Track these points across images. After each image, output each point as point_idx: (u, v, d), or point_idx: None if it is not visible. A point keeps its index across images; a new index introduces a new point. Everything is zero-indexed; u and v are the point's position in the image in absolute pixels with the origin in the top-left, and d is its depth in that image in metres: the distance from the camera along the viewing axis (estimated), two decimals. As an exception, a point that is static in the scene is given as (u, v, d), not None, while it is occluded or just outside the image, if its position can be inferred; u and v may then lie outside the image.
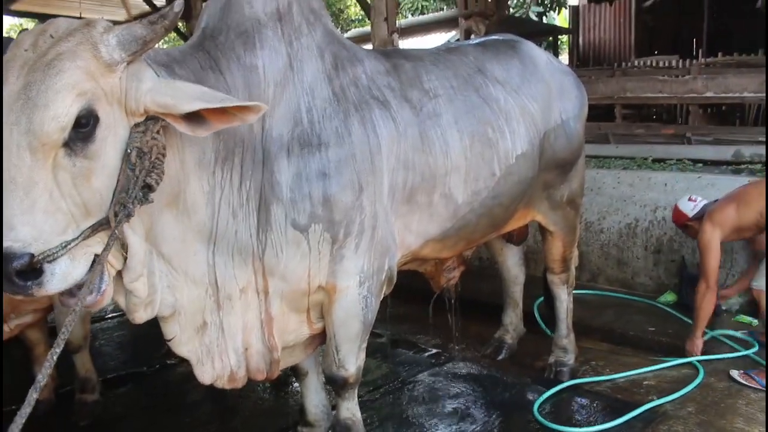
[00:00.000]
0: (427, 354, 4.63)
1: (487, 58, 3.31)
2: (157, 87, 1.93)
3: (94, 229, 1.83)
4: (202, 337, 2.44)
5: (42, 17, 13.71)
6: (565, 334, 4.14)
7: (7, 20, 23.02)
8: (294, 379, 4.11)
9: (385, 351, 4.71)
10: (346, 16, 22.18)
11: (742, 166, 6.23)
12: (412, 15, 19.35)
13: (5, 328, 3.55)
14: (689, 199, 4.32)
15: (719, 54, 11.02)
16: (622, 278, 5.60)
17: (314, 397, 3.26)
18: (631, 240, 5.53)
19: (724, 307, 4.91)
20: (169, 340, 2.42)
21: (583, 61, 14.72)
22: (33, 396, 1.65)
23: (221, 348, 2.48)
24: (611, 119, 9.47)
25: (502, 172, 3.11)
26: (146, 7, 11.90)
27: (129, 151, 1.89)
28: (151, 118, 1.93)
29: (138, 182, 1.90)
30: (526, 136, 3.24)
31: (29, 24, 22.43)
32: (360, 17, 21.31)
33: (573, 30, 15.50)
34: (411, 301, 5.42)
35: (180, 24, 11.74)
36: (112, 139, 1.87)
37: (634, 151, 7.28)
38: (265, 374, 2.64)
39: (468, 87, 3.08)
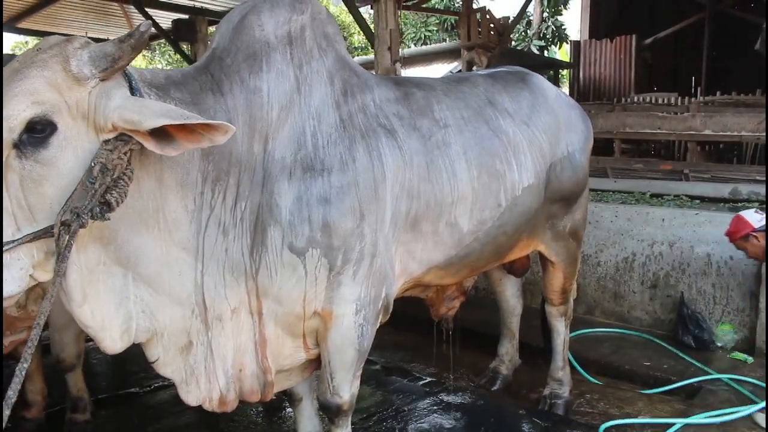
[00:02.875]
0: (421, 383, 4.60)
1: (498, 90, 3.35)
2: (125, 104, 1.95)
3: (37, 236, 1.86)
4: (187, 357, 2.42)
5: (47, 35, 13.82)
6: (561, 366, 4.13)
7: (13, 37, 23.30)
8: (287, 404, 4.09)
9: (380, 378, 4.68)
10: (349, 44, 22.41)
11: (740, 204, 6.27)
12: (415, 45, 19.55)
13: (-1, 344, 3.53)
14: (755, 211, 4.03)
15: (717, 92, 11.13)
16: (619, 312, 5.60)
17: (307, 423, 3.24)
18: (628, 274, 5.53)
19: (719, 344, 4.91)
20: (153, 362, 2.40)
21: (584, 96, 14.84)
22: (5, 412, 1.65)
23: (209, 369, 2.46)
24: (610, 154, 9.55)
25: (507, 203, 3.13)
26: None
27: (93, 165, 1.90)
28: (121, 139, 1.94)
29: (96, 196, 1.89)
30: (533, 168, 3.26)
31: (34, 42, 22.63)
32: (363, 45, 21.53)
33: (574, 64, 15.66)
34: (406, 329, 5.44)
35: (185, 46, 11.86)
36: (72, 150, 1.90)
37: (633, 186, 7.32)
38: (259, 396, 2.62)
39: (478, 118, 3.11)
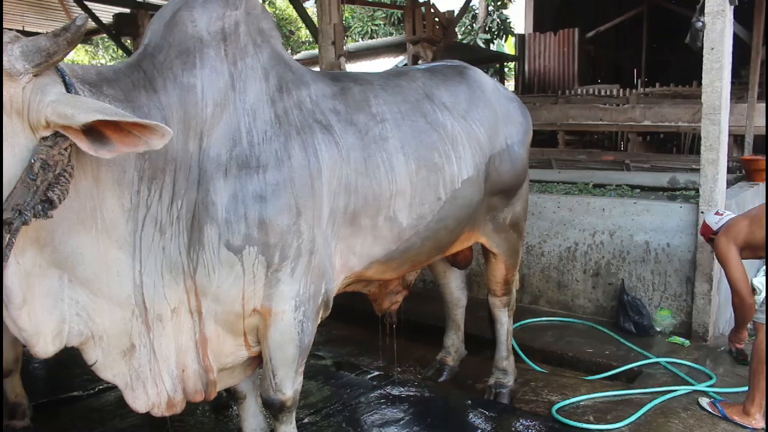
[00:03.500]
0: (369, 376, 4.62)
1: (435, 84, 3.37)
2: (60, 99, 1.91)
3: None
4: (130, 360, 2.39)
5: (-18, 30, 13.36)
6: (505, 356, 4.19)
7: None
8: (231, 402, 4.06)
9: (328, 373, 4.68)
10: (297, 38, 22.24)
11: (677, 193, 6.47)
12: (362, 39, 19.52)
13: None
14: (716, 213, 4.12)
15: (657, 84, 11.45)
16: (563, 301, 5.72)
17: (252, 421, 3.23)
18: (571, 263, 5.65)
19: (658, 329, 5.06)
20: (92, 365, 2.37)
21: (528, 88, 15.09)
22: None
23: (155, 372, 2.43)
24: (554, 145, 9.73)
25: (447, 197, 3.15)
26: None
27: (33, 161, 1.87)
28: (60, 135, 1.90)
29: (38, 193, 1.87)
30: (471, 161, 3.29)
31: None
32: (311, 39, 21.39)
33: (519, 57, 15.90)
34: (355, 323, 5.45)
35: (128, 42, 11.62)
36: (8, 148, 1.85)
37: (576, 177, 7.48)
38: (203, 395, 2.61)
39: (416, 112, 3.12)
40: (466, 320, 4.62)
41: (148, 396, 2.45)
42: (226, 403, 4.08)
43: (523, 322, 5.33)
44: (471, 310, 4.67)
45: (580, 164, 8.49)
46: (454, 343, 4.58)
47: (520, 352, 4.75)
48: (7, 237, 1.83)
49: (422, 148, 3.05)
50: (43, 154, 1.88)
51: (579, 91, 12.42)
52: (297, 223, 2.51)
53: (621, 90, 11.64)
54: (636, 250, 5.29)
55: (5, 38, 1.88)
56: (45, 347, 2.18)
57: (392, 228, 2.95)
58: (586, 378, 4.47)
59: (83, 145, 1.88)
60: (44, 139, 1.89)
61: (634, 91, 11.31)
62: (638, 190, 6.72)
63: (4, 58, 1.84)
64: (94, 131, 1.88)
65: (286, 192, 2.48)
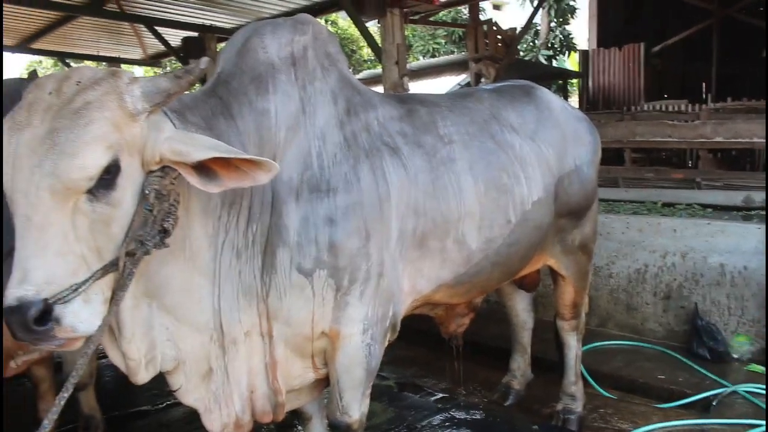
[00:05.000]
0: (433, 398, 4.57)
1: (503, 105, 3.34)
2: (175, 136, 1.97)
3: (105, 270, 1.83)
4: (208, 384, 2.42)
5: (60, 55, 13.97)
6: (574, 381, 4.09)
7: (26, 58, 23.56)
8: (298, 422, 4.07)
9: (392, 394, 4.66)
10: (358, 57, 22.49)
11: (752, 212, 6.21)
12: (423, 57, 19.60)
13: (12, 364, 3.55)
14: None
15: (728, 99, 11.07)
16: (632, 324, 5.55)
17: (318, 442, 3.22)
18: (641, 286, 5.49)
19: (735, 356, 4.85)
20: (175, 391, 2.41)
21: (593, 105, 14.81)
22: None
23: (227, 394, 2.46)
24: (621, 163, 9.49)
25: (517, 219, 3.10)
26: (161, 47, 12.12)
27: (147, 192, 1.91)
28: (167, 166, 1.95)
29: (156, 223, 1.92)
30: (541, 182, 3.24)
31: (48, 62, 22.86)
32: (372, 58, 21.62)
33: (583, 74, 15.64)
34: (419, 344, 5.41)
35: (194, 64, 11.92)
36: (130, 186, 1.89)
37: (644, 196, 7.27)
38: (271, 417, 2.62)
39: (483, 133, 3.10)
40: (531, 342, 4.53)
41: (221, 417, 2.48)
42: (290, 422, 4.09)
43: (590, 345, 5.19)
44: (537, 332, 4.57)
45: (647, 182, 8.25)
46: (521, 366, 4.49)
47: (588, 377, 4.63)
48: (129, 268, 1.87)
49: (491, 170, 3.02)
50: (156, 185, 1.93)
51: (645, 107, 12.10)
52: (366, 246, 2.51)
53: (689, 105, 11.30)
54: (710, 273, 5.10)
55: (125, 78, 1.92)
56: (143, 374, 2.22)
57: (461, 251, 2.91)
58: (659, 406, 4.30)
59: (193, 179, 1.93)
60: (151, 172, 1.94)
61: (704, 106, 10.95)
62: (710, 210, 6.48)
63: (128, 99, 1.88)
64: (203, 166, 1.93)
65: (356, 215, 2.48)
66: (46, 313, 1.67)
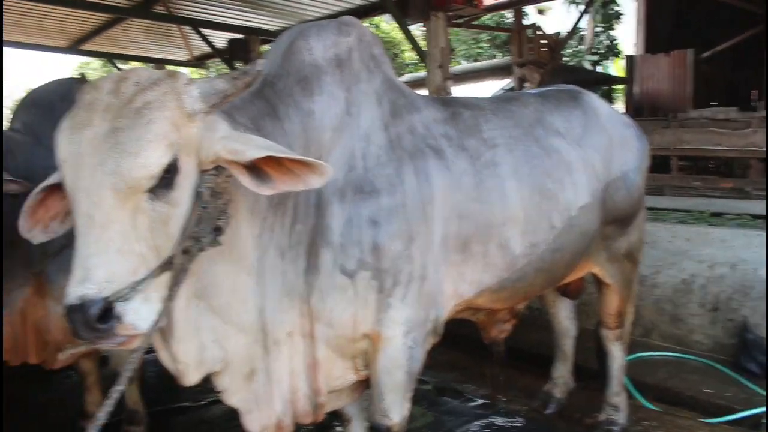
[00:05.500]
0: (473, 404, 4.53)
1: (548, 109, 3.29)
2: (230, 135, 1.99)
3: (163, 268, 1.84)
4: (251, 384, 2.43)
5: (109, 56, 14.31)
6: (617, 392, 4.00)
7: (76, 59, 24.19)
8: (336, 423, 4.08)
9: (431, 399, 4.63)
10: (400, 61, 22.52)
11: (806, 224, 6.03)
12: (466, 61, 19.53)
13: (60, 356, 3.63)
14: None
15: (779, 107, 10.75)
16: (677, 335, 5.42)
17: (357, 444, 3.22)
18: (687, 296, 5.35)
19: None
20: (220, 392, 2.42)
21: (638, 112, 14.53)
22: None
23: (268, 395, 2.46)
24: (667, 171, 9.31)
25: (562, 225, 3.06)
26: (207, 49, 12.31)
27: (202, 190, 1.93)
28: (220, 165, 1.98)
29: (211, 221, 1.94)
30: (587, 188, 3.19)
31: (96, 63, 23.39)
32: (415, 62, 21.63)
33: (628, 80, 15.38)
34: (458, 349, 5.37)
35: (239, 65, 12.10)
36: (188, 186, 1.92)
37: (690, 204, 7.11)
38: (311, 418, 2.62)
39: (528, 137, 3.06)
40: (574, 351, 4.46)
41: (261, 419, 2.48)
42: (328, 423, 4.10)
43: (634, 355, 5.08)
44: (579, 340, 4.49)
45: (694, 191, 8.09)
46: (562, 374, 4.42)
47: (632, 388, 4.53)
48: (184, 265, 1.90)
49: (535, 174, 2.99)
50: (211, 183, 1.95)
51: (693, 114, 11.85)
52: (409, 249, 2.50)
53: (740, 113, 11.02)
54: (761, 285, 4.94)
55: (183, 79, 1.95)
56: (192, 376, 2.24)
57: (504, 256, 2.88)
58: (706, 421, 4.18)
59: (246, 180, 1.95)
60: (206, 170, 1.96)
61: (755, 114, 10.67)
62: (760, 220, 6.30)
63: (187, 100, 1.90)
64: (256, 168, 1.95)
65: (399, 217, 2.48)
66: (107, 311, 1.68)
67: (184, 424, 4.34)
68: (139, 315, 1.75)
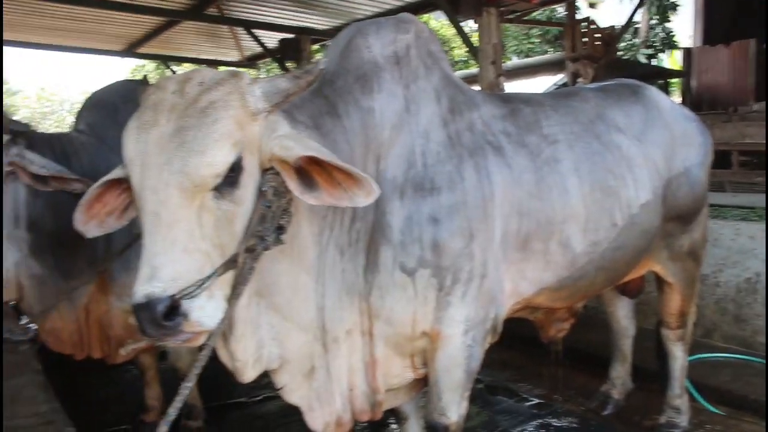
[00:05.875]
0: (528, 404, 4.47)
1: (609, 104, 3.23)
2: (287, 134, 2.00)
3: (227, 267, 1.85)
4: (311, 382, 2.44)
5: (163, 58, 14.61)
6: (679, 394, 3.91)
7: (132, 62, 24.85)
8: (391, 420, 4.08)
9: (485, 397, 4.59)
10: (451, 57, 22.42)
11: None
12: (517, 57, 19.32)
13: (121, 351, 3.72)
14: None
15: None
16: (740, 336, 5.24)
17: (414, 443, 3.21)
18: (751, 296, 5.17)
19: None
20: (280, 389, 2.44)
21: (696, 106, 14.10)
22: (162, 429, 1.72)
23: (328, 392, 2.47)
24: (727, 166, 9.02)
25: (624, 222, 3.00)
26: (258, 49, 12.47)
27: (265, 189, 1.94)
28: None
29: (274, 220, 1.95)
30: (649, 184, 3.12)
31: (150, 65, 23.97)
32: (465, 58, 21.50)
33: (685, 73, 14.96)
34: (512, 348, 5.30)
35: (292, 66, 12.23)
36: (252, 184, 1.93)
37: (753, 201, 6.86)
38: (369, 415, 2.62)
39: (589, 133, 3.01)
40: (632, 351, 4.36)
41: (323, 415, 2.49)
42: (383, 421, 4.10)
43: (694, 356, 4.93)
44: (636, 340, 4.39)
45: (757, 187, 7.81)
46: (621, 374, 4.33)
47: (693, 391, 4.40)
48: (249, 263, 1.91)
49: (596, 171, 2.93)
50: (274, 182, 1.96)
51: (755, 108, 11.45)
52: (469, 247, 2.48)
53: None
54: (830, 285, 4.75)
55: (246, 79, 1.97)
56: (250, 373, 2.25)
57: (564, 253, 2.83)
58: (773, 425, 4.05)
59: (292, 184, 1.95)
60: (268, 170, 1.97)
61: (821, 107, 10.25)
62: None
63: (250, 99, 1.92)
64: (306, 175, 1.95)
65: (460, 214, 2.45)
66: (173, 309, 1.70)
67: (240, 420, 4.41)
68: (204, 312, 1.76)
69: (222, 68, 12.13)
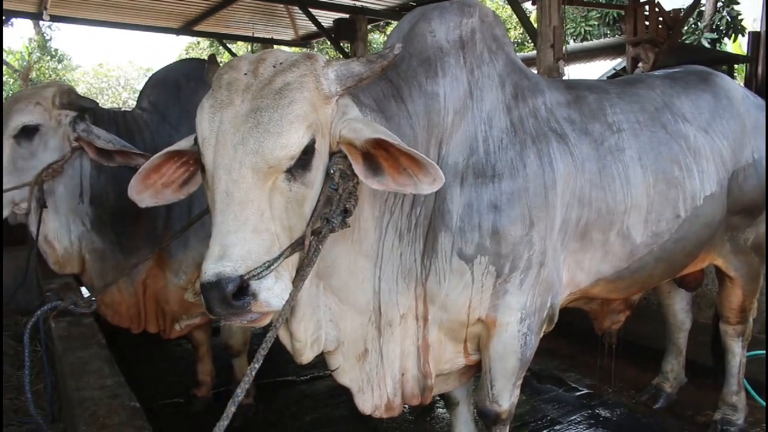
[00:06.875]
0: (577, 394, 4.43)
1: (676, 92, 3.15)
2: (357, 118, 1.99)
3: (293, 248, 1.84)
4: (363, 365, 2.45)
5: (218, 36, 14.75)
6: (736, 391, 3.80)
7: (186, 40, 25.20)
8: (438, 405, 4.09)
9: (533, 386, 4.56)
10: (505, 40, 22.03)
11: None
12: (574, 41, 18.88)
13: (176, 327, 3.81)
14: None
15: None
16: (801, 334, 5.07)
17: (463, 428, 3.21)
18: (814, 292, 4.99)
19: None
20: (333, 371, 2.44)
21: (762, 93, 13.59)
22: (231, 409, 1.70)
23: (380, 375, 2.48)
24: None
25: (688, 214, 2.93)
26: (313, 27, 12.47)
27: (332, 171, 1.93)
28: None
29: (341, 202, 1.94)
30: (715, 176, 3.04)
31: (204, 43, 24.25)
32: (520, 41, 21.14)
33: (752, 58, 14.40)
34: (561, 336, 5.24)
35: (346, 46, 12.21)
36: (322, 167, 1.93)
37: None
38: (419, 400, 2.62)
39: (655, 122, 2.94)
40: (686, 345, 4.26)
41: (373, 398, 2.50)
42: (430, 405, 4.11)
43: (751, 353, 4.79)
44: (691, 334, 4.29)
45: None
46: (674, 368, 4.25)
47: (749, 388, 4.28)
48: (315, 245, 1.90)
49: (661, 161, 2.86)
50: (341, 164, 1.95)
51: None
52: (529, 234, 2.45)
53: None
54: None
55: (321, 61, 1.96)
56: (308, 354, 2.25)
57: (624, 245, 2.78)
58: (831, 427, 3.92)
59: (358, 167, 1.94)
60: (335, 153, 1.97)
61: None
62: None
63: (324, 82, 1.92)
64: (372, 161, 1.94)
65: (521, 202, 2.42)
66: (242, 289, 1.70)
67: (290, 397, 4.48)
68: (273, 293, 1.76)
69: (276, 47, 12.20)
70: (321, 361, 2.48)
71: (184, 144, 2.12)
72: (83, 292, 3.89)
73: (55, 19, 12.52)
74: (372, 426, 3.98)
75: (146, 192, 2.20)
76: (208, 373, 4.27)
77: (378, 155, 1.93)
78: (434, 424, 4.02)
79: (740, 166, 3.21)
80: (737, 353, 3.77)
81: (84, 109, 3.28)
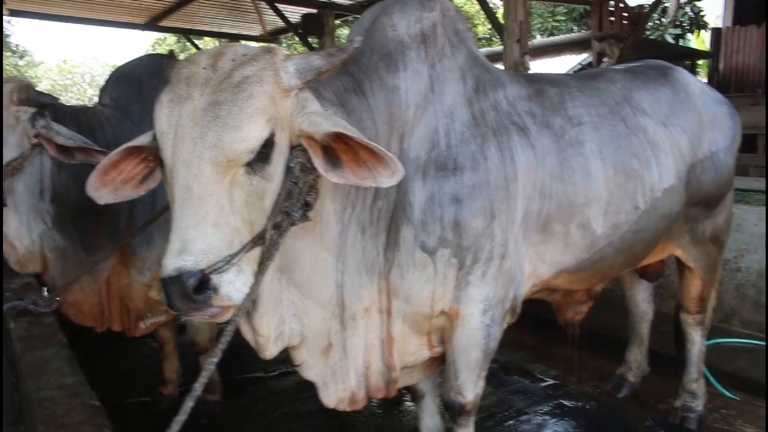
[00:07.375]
0: (543, 384, 4.49)
1: (636, 86, 3.20)
2: (317, 111, 1.99)
3: (254, 242, 1.84)
4: (327, 359, 2.45)
5: (184, 32, 14.60)
6: (695, 378, 3.89)
7: (153, 35, 24.86)
8: (406, 398, 4.11)
9: (499, 377, 4.61)
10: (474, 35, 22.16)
11: None
12: (542, 36, 19.06)
13: (141, 325, 3.77)
14: None
15: None
16: (760, 323, 5.18)
17: (429, 421, 3.24)
18: (773, 282, 5.12)
19: None
20: (298, 366, 2.45)
21: (724, 88, 13.82)
22: (189, 404, 1.71)
23: (343, 369, 2.49)
24: (753, 151, 8.90)
25: (646, 206, 2.99)
26: (280, 23, 12.41)
27: (292, 165, 1.93)
28: None
29: (301, 196, 1.95)
30: (673, 168, 3.10)
31: (170, 39, 23.93)
32: (488, 36, 21.26)
33: (714, 54, 14.67)
34: (527, 328, 5.30)
35: (314, 42, 12.17)
36: (282, 160, 1.92)
37: (778, 186, 6.77)
38: (384, 393, 2.63)
39: (615, 116, 2.99)
40: (649, 335, 4.34)
41: (337, 392, 2.51)
42: (398, 398, 4.14)
43: (712, 341, 4.90)
44: (654, 324, 4.37)
45: (782, 172, 7.70)
46: (637, 358, 4.32)
47: (709, 376, 4.37)
48: (275, 239, 1.90)
49: (621, 154, 2.91)
50: (301, 158, 1.95)
51: (783, 91, 11.22)
52: (491, 227, 2.47)
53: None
54: None
55: (281, 55, 1.96)
56: (272, 349, 2.25)
57: (585, 236, 2.82)
58: (789, 412, 4.03)
59: (318, 161, 1.94)
60: (295, 146, 1.96)
61: None
62: None
63: (284, 76, 1.92)
64: (332, 154, 1.94)
65: (482, 195, 2.44)
66: (203, 283, 1.69)
67: (258, 394, 4.46)
68: (234, 287, 1.76)
69: (244, 43, 12.12)
70: (289, 356, 2.47)
71: (143, 139, 2.09)
72: (45, 292, 3.83)
73: (14, 13, 12.29)
74: (340, 420, 3.99)
75: (105, 189, 2.17)
76: (175, 371, 4.23)
77: (338, 149, 1.93)
78: (402, 417, 4.04)
79: (698, 159, 3.27)
80: (697, 342, 3.85)
81: (43, 105, 3.23)
